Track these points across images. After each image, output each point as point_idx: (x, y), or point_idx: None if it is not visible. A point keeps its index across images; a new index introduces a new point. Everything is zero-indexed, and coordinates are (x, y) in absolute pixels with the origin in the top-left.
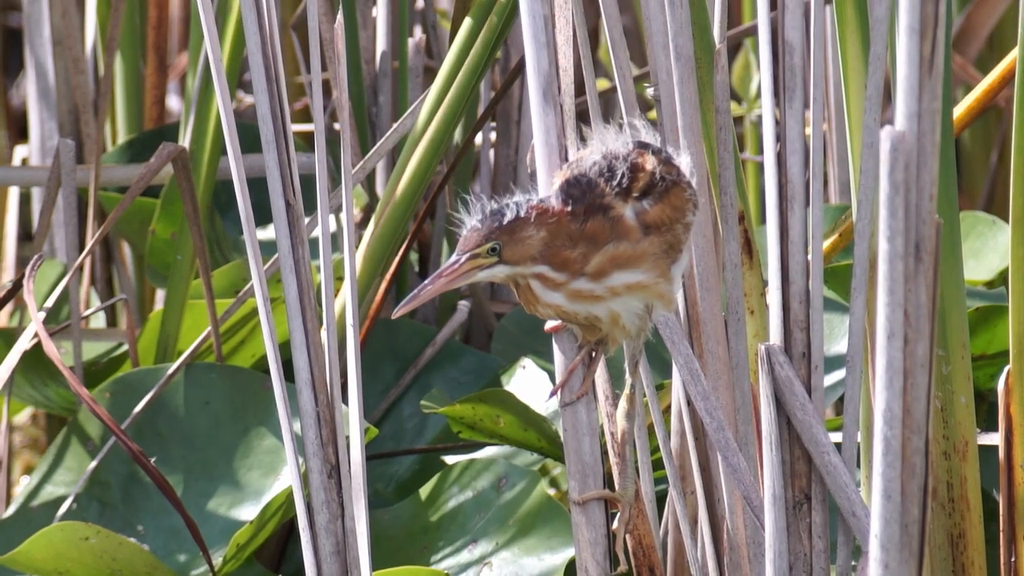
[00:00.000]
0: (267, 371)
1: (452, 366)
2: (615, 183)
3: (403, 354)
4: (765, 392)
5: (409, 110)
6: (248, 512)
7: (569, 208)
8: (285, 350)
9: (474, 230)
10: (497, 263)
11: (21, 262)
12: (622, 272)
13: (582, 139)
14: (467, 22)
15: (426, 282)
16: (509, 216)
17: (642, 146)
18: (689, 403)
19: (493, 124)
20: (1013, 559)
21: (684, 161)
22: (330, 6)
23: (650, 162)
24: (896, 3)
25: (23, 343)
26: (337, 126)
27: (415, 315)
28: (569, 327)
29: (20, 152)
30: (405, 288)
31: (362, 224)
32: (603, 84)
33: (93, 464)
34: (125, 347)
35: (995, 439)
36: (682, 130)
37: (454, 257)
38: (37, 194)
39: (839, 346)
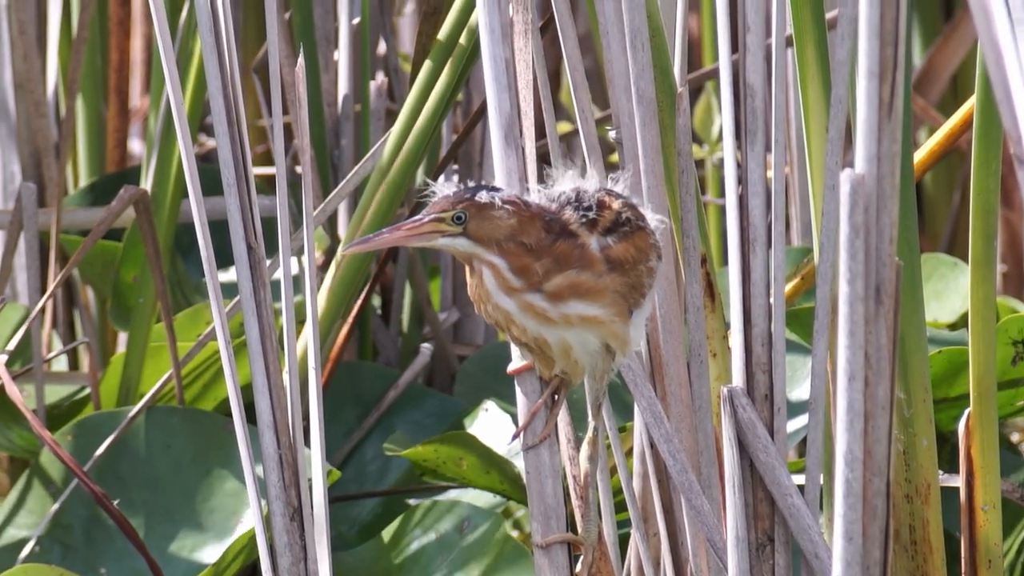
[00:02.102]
0: (229, 414)
1: (415, 409)
2: (581, 213)
3: (366, 397)
4: (728, 434)
5: (370, 152)
6: (211, 555)
7: (546, 217)
8: (247, 393)
9: (445, 196)
10: (460, 235)
11: None
12: (580, 302)
13: (542, 182)
14: (428, 65)
15: (384, 230)
16: (484, 195)
17: (609, 192)
18: (652, 445)
19: (455, 166)
20: None
21: (650, 215)
22: (291, 49)
23: (616, 203)
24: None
25: None
26: (299, 169)
27: (377, 357)
28: (532, 368)
29: None
30: (368, 332)
31: (324, 267)
32: (565, 127)
33: (55, 507)
34: (87, 390)
35: (957, 481)
36: (644, 173)
37: (419, 215)
38: None
39: (802, 389)
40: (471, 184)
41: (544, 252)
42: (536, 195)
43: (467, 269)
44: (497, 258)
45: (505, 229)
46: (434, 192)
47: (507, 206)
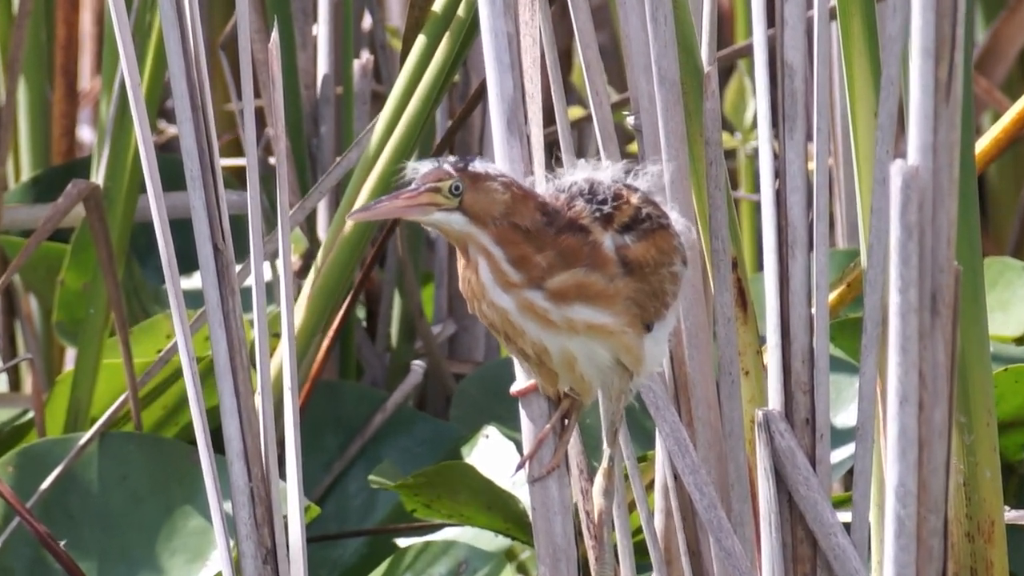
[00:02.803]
0: (193, 441)
1: (405, 435)
2: (595, 207)
3: (348, 421)
4: (763, 465)
5: (355, 141)
6: None
7: (547, 203)
8: (214, 417)
9: (437, 166)
10: (456, 209)
11: None
12: (587, 307)
13: (551, 172)
14: (420, 41)
15: (383, 198)
16: (478, 164)
17: (627, 186)
18: (676, 477)
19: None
20: None
21: (674, 214)
22: (264, 23)
23: (635, 197)
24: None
25: None
26: (272, 160)
27: (362, 376)
28: (539, 388)
29: None
30: (351, 347)
31: (301, 273)
32: (576, 112)
33: None
34: (30, 414)
35: None
36: (666, 164)
37: (413, 184)
38: None
39: (848, 412)
40: (467, 157)
41: (547, 243)
42: (543, 186)
43: (460, 261)
44: (493, 244)
45: (500, 205)
46: (415, 170)
47: (503, 182)
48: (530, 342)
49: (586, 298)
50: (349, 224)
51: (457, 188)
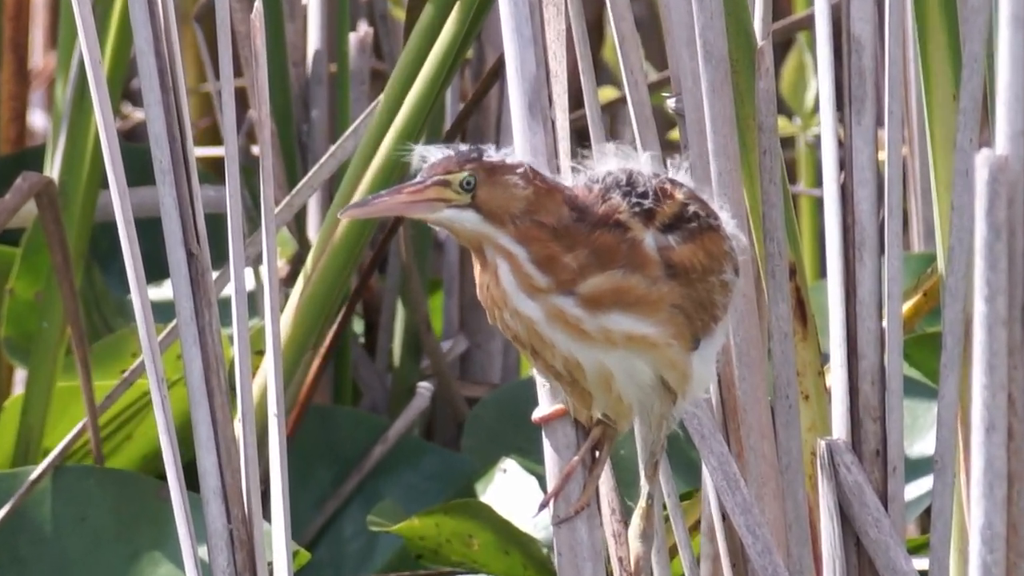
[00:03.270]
0: (163, 476)
1: (409, 469)
2: (635, 199)
3: (344, 452)
4: (826, 503)
5: (351, 127)
6: None
7: (575, 196)
8: (187, 448)
9: (447, 157)
10: (468, 206)
11: None
12: (625, 315)
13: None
14: (427, 10)
15: (381, 192)
16: (494, 153)
17: (671, 181)
18: (725, 518)
19: (463, 145)
20: None
21: (725, 215)
22: None
23: (681, 192)
24: None
25: None
26: (255, 149)
27: (360, 400)
28: (566, 413)
29: None
30: (347, 366)
31: (289, 280)
32: (608, 93)
33: None
34: None
35: None
36: (713, 154)
37: (419, 178)
38: None
39: (924, 442)
40: (482, 147)
41: (578, 241)
42: (572, 178)
43: (476, 265)
44: (514, 244)
45: (521, 201)
46: (422, 158)
47: (521, 171)
48: (560, 357)
49: (625, 304)
50: (343, 223)
51: (469, 182)
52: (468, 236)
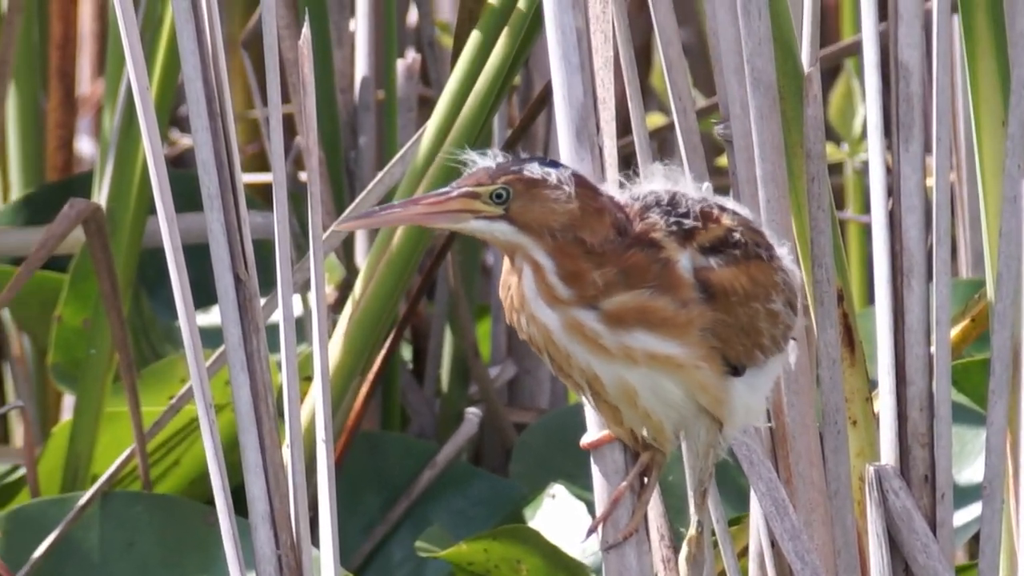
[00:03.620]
0: (211, 502)
1: (458, 494)
2: (673, 219)
3: (393, 478)
4: (875, 529)
5: (399, 154)
6: None
7: (621, 215)
8: (236, 474)
9: (484, 167)
10: (501, 218)
11: None
12: (648, 333)
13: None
14: (475, 37)
15: (395, 203)
16: (535, 168)
17: (720, 207)
18: (773, 544)
19: None
20: None
21: (785, 252)
22: (294, 17)
23: (729, 218)
24: None
25: None
26: (303, 176)
27: (408, 426)
28: (615, 440)
29: None
30: (395, 392)
31: (337, 306)
32: (656, 120)
33: None
34: (22, 470)
35: None
36: (761, 181)
37: (447, 187)
38: None
39: (973, 468)
40: (523, 155)
41: (609, 259)
42: (618, 194)
43: (505, 261)
44: (545, 256)
45: (561, 217)
46: (472, 163)
47: (566, 187)
48: (577, 368)
49: (649, 324)
50: (393, 248)
51: (501, 194)
52: (501, 244)
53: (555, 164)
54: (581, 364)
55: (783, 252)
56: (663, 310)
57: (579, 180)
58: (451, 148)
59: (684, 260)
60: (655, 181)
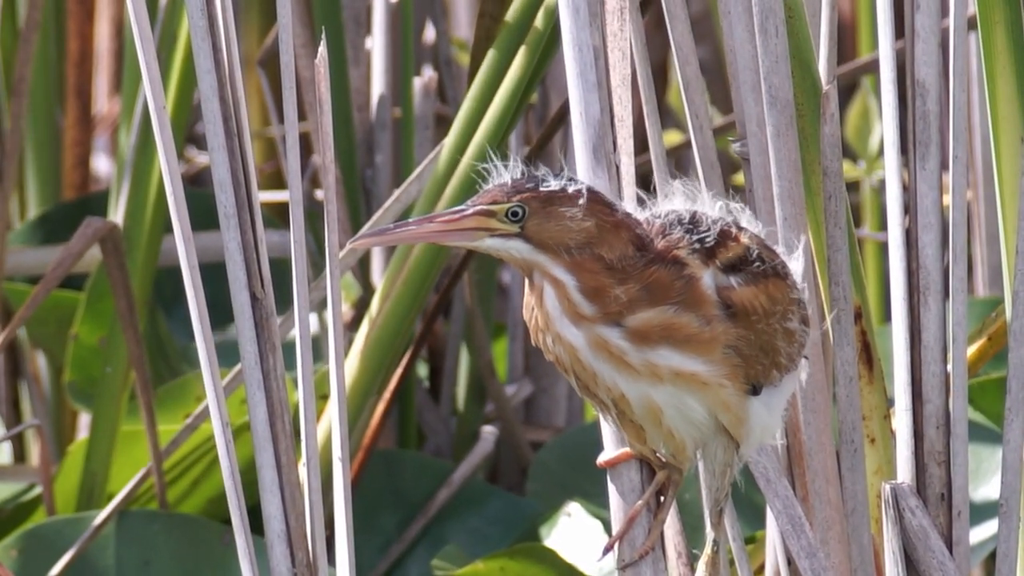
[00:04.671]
0: (228, 521)
1: (474, 513)
2: (696, 237)
3: (409, 497)
4: (891, 547)
5: (416, 172)
6: None
7: (636, 230)
8: (252, 493)
9: (500, 184)
10: (517, 236)
11: None
12: (673, 350)
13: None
14: (492, 55)
15: (410, 221)
16: (553, 184)
17: (737, 226)
18: (790, 562)
19: None
20: None
21: (794, 265)
22: (310, 35)
23: (746, 236)
24: None
25: None
26: (320, 194)
27: (424, 445)
28: (632, 458)
29: None
30: (411, 411)
31: (353, 324)
32: (673, 138)
33: None
34: (38, 489)
35: None
36: (778, 199)
37: (462, 205)
38: None
39: (990, 486)
40: (540, 172)
41: (632, 275)
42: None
43: (526, 283)
44: (565, 273)
45: (578, 234)
46: (496, 172)
47: (583, 203)
48: (604, 387)
49: (674, 341)
50: (409, 266)
51: (516, 212)
52: (518, 262)
53: (570, 180)
54: (607, 383)
55: (796, 267)
56: (688, 327)
57: (594, 196)
58: (468, 168)
59: (707, 278)
60: (675, 200)
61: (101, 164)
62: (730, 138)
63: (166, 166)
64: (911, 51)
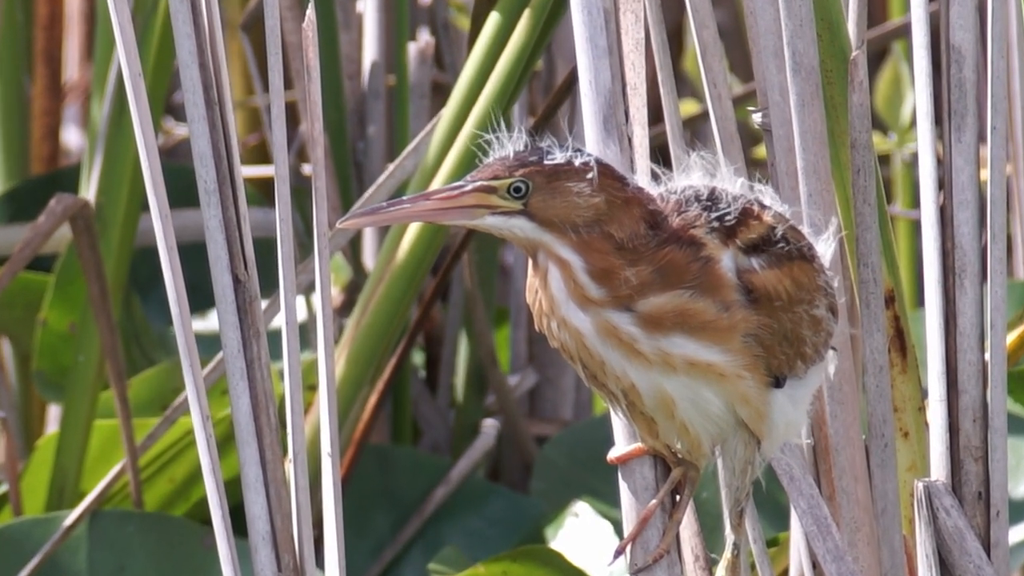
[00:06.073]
0: (208, 522)
1: (474, 513)
2: (714, 215)
3: (403, 496)
4: (925, 550)
5: (412, 145)
6: None
7: (652, 207)
8: (234, 491)
9: (501, 158)
10: (519, 213)
11: None
12: (687, 338)
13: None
14: (493, 19)
15: (404, 198)
16: (559, 157)
17: (759, 204)
18: (815, 566)
19: None
20: None
21: (822, 251)
22: None
23: (769, 215)
24: None
25: None
26: (308, 169)
27: (420, 439)
28: (645, 453)
29: None
30: (406, 403)
31: (344, 310)
32: (689, 107)
33: None
34: (3, 487)
35: None
36: (803, 173)
37: (460, 181)
38: None
39: None
40: (545, 144)
41: (644, 256)
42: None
43: (529, 264)
44: (571, 252)
45: (586, 211)
46: (492, 144)
47: (591, 177)
48: (613, 376)
49: (689, 328)
50: (404, 247)
51: (519, 188)
52: (521, 242)
53: (578, 152)
54: (616, 372)
55: (823, 249)
56: (704, 313)
57: (604, 169)
58: (468, 140)
59: (726, 259)
60: (693, 175)
61: (72, 136)
62: (750, 108)
63: (142, 138)
64: (946, 14)
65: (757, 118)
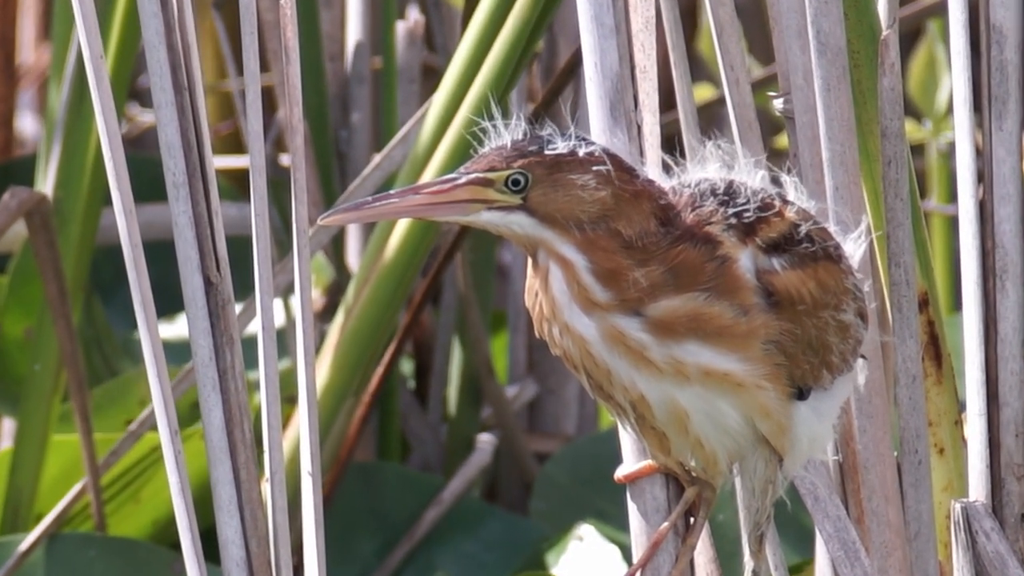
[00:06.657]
0: (176, 546)
1: (469, 536)
2: (732, 210)
3: (392, 517)
4: (963, 575)
5: (400, 134)
6: None
7: (663, 201)
8: (206, 513)
9: (497, 148)
10: (518, 208)
11: None
12: (702, 345)
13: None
14: None
15: (392, 192)
16: (561, 147)
17: (782, 198)
18: None
19: None
20: None
21: (850, 250)
22: None
23: (792, 211)
24: None
25: None
26: (286, 159)
27: (409, 456)
28: (656, 471)
29: None
30: (394, 416)
31: (326, 314)
32: (704, 92)
33: None
34: None
35: None
36: (828, 165)
37: (453, 174)
38: None
39: None
40: (546, 132)
41: (654, 255)
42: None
43: (529, 264)
44: (574, 251)
45: (591, 205)
46: (489, 133)
47: (597, 169)
48: (620, 387)
49: (704, 334)
50: (393, 246)
51: (518, 181)
52: (520, 239)
53: (582, 141)
54: (624, 382)
55: (850, 248)
56: (720, 317)
57: (612, 160)
58: (462, 128)
59: (745, 259)
60: (708, 167)
61: (27, 124)
62: (771, 93)
63: (104, 126)
64: None
65: (778, 104)
